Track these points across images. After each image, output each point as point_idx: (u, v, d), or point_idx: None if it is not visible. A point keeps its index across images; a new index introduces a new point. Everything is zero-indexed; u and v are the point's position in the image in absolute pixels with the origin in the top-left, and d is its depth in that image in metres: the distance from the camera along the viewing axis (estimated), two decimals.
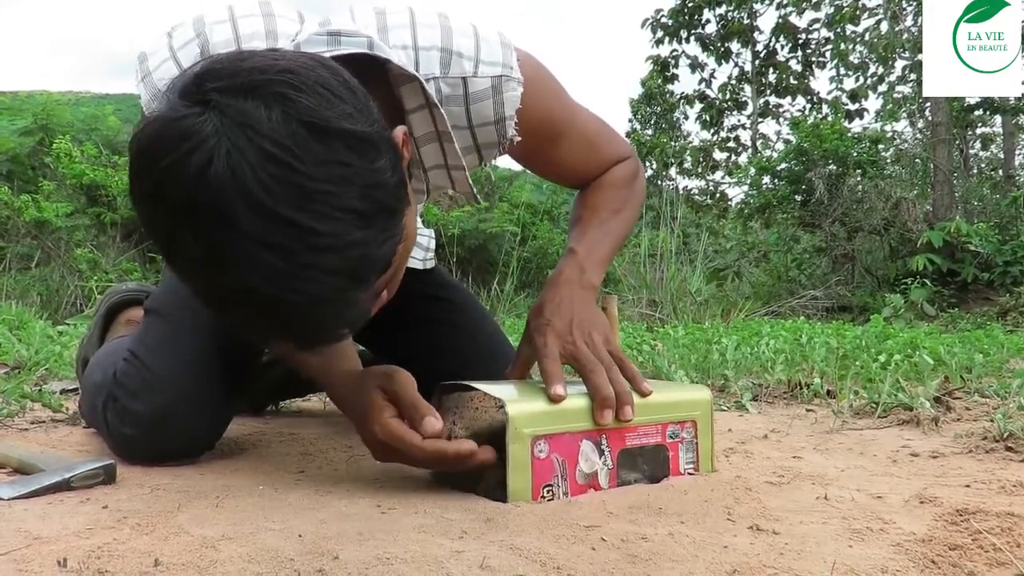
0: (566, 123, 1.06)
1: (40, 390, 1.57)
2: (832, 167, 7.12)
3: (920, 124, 9.89)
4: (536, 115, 0.99)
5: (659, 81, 14.00)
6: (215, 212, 0.60)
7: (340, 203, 0.62)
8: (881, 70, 11.27)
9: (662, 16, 13.29)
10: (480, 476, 0.87)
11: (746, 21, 13.38)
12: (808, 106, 13.70)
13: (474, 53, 0.93)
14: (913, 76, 9.51)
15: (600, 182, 1.13)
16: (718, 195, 13.26)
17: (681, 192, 12.42)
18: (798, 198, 7.41)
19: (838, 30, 11.83)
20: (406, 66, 0.85)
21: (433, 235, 1.43)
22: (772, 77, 13.88)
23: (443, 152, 0.95)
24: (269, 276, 0.62)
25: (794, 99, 13.88)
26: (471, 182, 0.98)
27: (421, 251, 1.37)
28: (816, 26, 13.04)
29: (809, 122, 7.96)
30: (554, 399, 0.87)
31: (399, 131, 0.73)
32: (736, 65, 13.86)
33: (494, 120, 0.96)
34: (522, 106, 0.96)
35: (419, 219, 1.42)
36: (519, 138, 0.98)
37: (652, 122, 14.67)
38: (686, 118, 14.68)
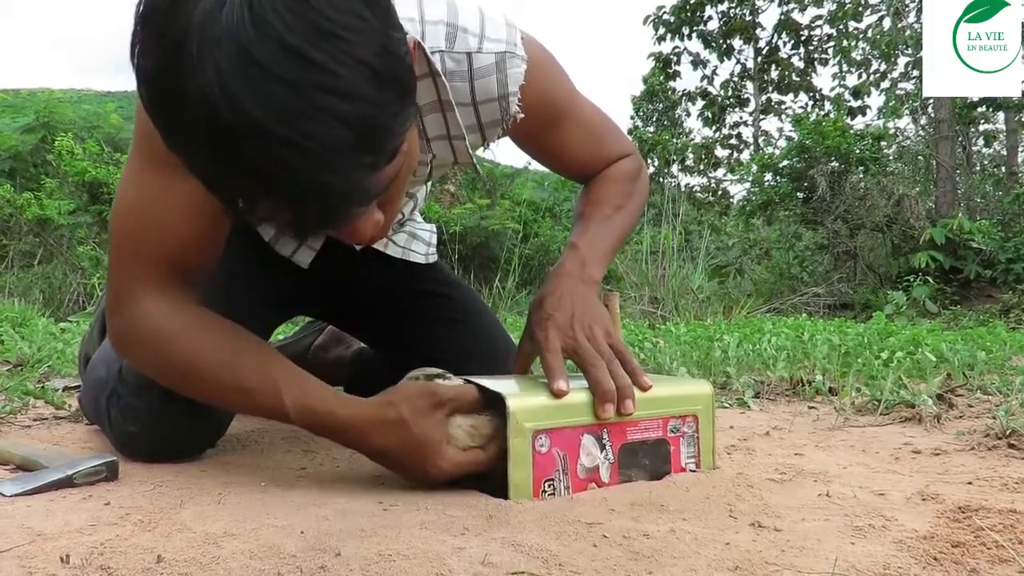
0: (568, 106, 1.07)
1: (43, 387, 1.57)
2: (834, 164, 7.11)
3: (923, 121, 9.86)
4: (539, 94, 0.99)
5: (661, 78, 13.99)
6: (228, 39, 0.57)
7: (355, 52, 0.60)
8: (883, 67, 11.25)
9: (664, 13, 13.27)
10: (484, 474, 0.87)
11: (748, 18, 13.36)
12: (810, 103, 13.69)
13: (479, 30, 0.94)
14: (916, 73, 9.50)
15: (604, 176, 1.13)
16: (720, 192, 13.24)
17: (683, 189, 12.40)
18: (800, 195, 7.39)
19: (840, 26, 11.80)
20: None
21: (435, 230, 1.44)
22: (774, 74, 13.86)
23: (445, 122, 0.95)
24: (278, 112, 0.59)
25: (796, 96, 13.87)
26: (471, 152, 0.99)
27: (423, 245, 1.37)
28: (818, 22, 13.03)
29: (811, 119, 7.94)
30: (557, 394, 0.87)
31: (411, 38, 0.72)
32: (738, 62, 13.85)
33: (498, 96, 0.96)
34: (525, 83, 0.97)
35: (419, 215, 1.43)
36: (522, 115, 0.99)
37: (654, 119, 14.65)
38: (688, 115, 14.68)
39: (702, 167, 13.79)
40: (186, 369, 0.89)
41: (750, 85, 14.00)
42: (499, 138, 1.05)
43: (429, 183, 1.33)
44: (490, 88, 0.96)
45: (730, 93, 14.11)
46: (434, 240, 1.41)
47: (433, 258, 1.39)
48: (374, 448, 0.87)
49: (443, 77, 0.89)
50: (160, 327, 0.89)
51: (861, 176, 7.23)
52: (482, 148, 1.08)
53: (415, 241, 1.37)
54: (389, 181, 0.70)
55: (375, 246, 1.31)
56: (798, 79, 13.65)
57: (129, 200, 0.91)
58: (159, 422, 1.00)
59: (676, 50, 13.73)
